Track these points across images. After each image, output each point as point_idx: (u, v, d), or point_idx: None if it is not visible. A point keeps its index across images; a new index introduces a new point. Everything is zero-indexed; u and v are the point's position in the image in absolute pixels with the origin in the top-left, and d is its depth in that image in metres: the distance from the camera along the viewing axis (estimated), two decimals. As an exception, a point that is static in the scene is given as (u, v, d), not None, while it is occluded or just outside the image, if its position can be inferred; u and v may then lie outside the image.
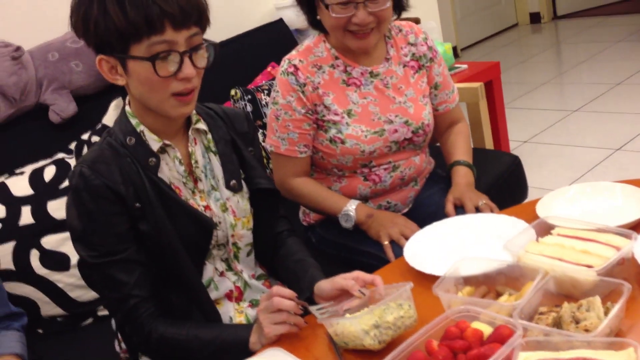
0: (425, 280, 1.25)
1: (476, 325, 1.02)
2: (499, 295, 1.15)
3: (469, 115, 2.51)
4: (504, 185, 2.04)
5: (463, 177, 1.70)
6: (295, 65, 1.64)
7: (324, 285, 1.25)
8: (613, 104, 3.85)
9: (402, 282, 1.15)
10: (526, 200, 2.13)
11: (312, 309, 1.18)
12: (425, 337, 1.02)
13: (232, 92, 2.20)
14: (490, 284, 1.18)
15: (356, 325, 1.07)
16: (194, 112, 1.33)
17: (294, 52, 1.69)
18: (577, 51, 5.06)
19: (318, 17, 1.65)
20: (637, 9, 5.58)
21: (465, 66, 2.91)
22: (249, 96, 2.19)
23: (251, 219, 1.39)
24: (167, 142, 1.27)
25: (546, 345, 0.94)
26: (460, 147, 1.78)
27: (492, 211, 1.55)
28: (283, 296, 1.17)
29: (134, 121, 1.27)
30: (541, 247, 1.20)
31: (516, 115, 4.01)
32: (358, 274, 1.21)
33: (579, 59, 4.84)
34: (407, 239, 1.48)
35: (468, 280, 1.19)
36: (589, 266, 1.10)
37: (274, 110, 1.68)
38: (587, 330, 0.97)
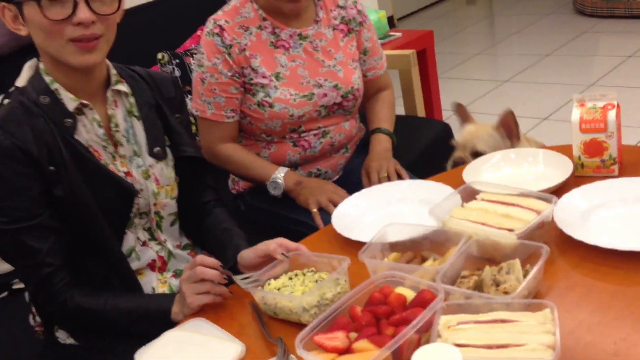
0: (352, 247, 1.24)
1: (400, 290, 1.02)
2: (424, 260, 1.16)
3: (400, 82, 2.50)
4: (435, 152, 2.05)
5: (379, 144, 1.70)
6: (220, 26, 1.58)
7: (247, 254, 1.22)
8: (542, 74, 3.95)
9: (338, 256, 1.13)
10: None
11: (236, 278, 1.15)
12: (349, 303, 1.01)
13: (159, 55, 2.12)
14: (416, 250, 1.18)
15: (296, 302, 1.05)
16: (115, 72, 1.27)
17: (219, 12, 1.63)
18: (510, 23, 5.16)
19: None
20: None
21: (399, 34, 2.90)
22: (177, 60, 2.12)
23: (176, 187, 1.34)
24: (84, 101, 1.21)
25: (467, 308, 0.95)
26: (382, 115, 1.78)
27: (401, 178, 1.59)
28: (206, 265, 1.15)
29: (47, 79, 1.20)
30: (466, 212, 1.20)
31: (449, 85, 4.06)
32: (282, 240, 1.19)
33: (511, 31, 4.93)
34: (336, 205, 1.47)
35: (394, 246, 1.19)
36: (511, 230, 1.12)
37: (199, 73, 1.62)
38: (506, 293, 0.99)
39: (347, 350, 0.92)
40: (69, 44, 1.14)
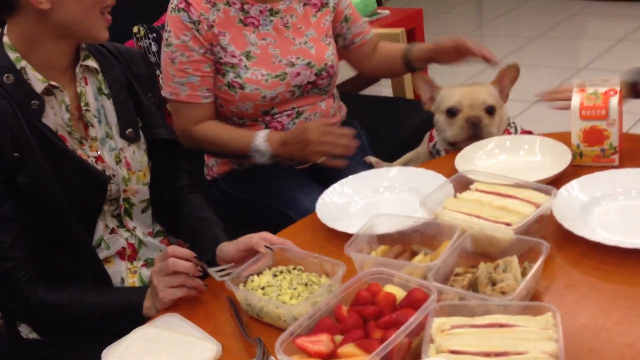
0: (337, 239, 1.16)
1: (389, 288, 0.95)
2: (414, 254, 1.08)
3: (389, 63, 2.42)
4: (424, 135, 1.98)
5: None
6: (186, 1, 1.48)
7: (227, 247, 1.14)
8: (531, 57, 3.88)
9: (331, 259, 1.04)
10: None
11: (211, 270, 1.07)
12: (335, 302, 0.94)
13: (135, 29, 2.00)
14: (405, 243, 1.11)
15: (287, 311, 0.96)
16: (83, 47, 1.19)
17: None
18: (498, 4, 5.07)
19: None
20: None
21: (387, 12, 2.82)
22: (154, 34, 2.00)
23: (148, 173, 1.26)
24: (53, 83, 1.12)
25: (461, 309, 0.88)
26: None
27: None
28: (179, 257, 1.06)
29: (13, 56, 1.10)
30: (459, 203, 1.13)
31: (436, 66, 3.97)
32: (266, 234, 1.11)
33: (499, 12, 4.85)
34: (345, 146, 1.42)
35: (382, 239, 1.11)
36: (507, 224, 1.05)
37: (168, 53, 1.50)
38: (503, 293, 0.92)
39: (332, 356, 0.84)
40: (101, 18, 1.12)
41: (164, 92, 1.54)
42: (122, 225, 1.25)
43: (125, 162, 1.21)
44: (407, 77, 2.40)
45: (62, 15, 1.09)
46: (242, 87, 1.50)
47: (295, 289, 1.02)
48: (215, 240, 1.17)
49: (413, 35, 2.76)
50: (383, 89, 3.25)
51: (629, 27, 3.98)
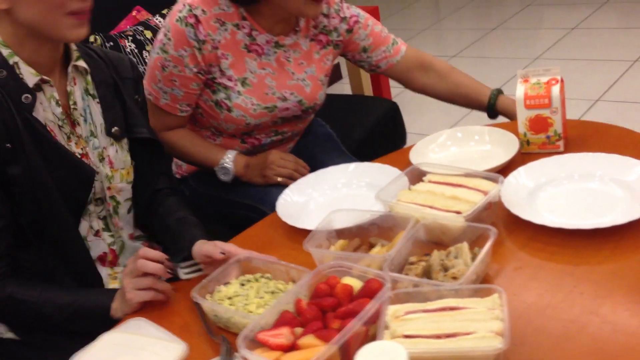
0: (298, 236, 1.19)
1: (347, 280, 0.98)
2: (372, 246, 1.12)
3: (347, 62, 2.45)
4: (382, 131, 2.03)
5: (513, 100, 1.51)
6: (196, 16, 1.43)
7: (196, 247, 1.16)
8: (488, 49, 3.96)
9: (297, 266, 1.06)
10: (406, 146, 2.13)
11: (178, 268, 1.10)
12: (295, 296, 0.97)
13: (92, 38, 2.00)
14: (363, 236, 1.15)
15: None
16: (75, 48, 1.21)
17: None
18: (454, -3, 5.16)
19: None
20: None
21: (344, 11, 2.84)
22: (111, 43, 2.01)
23: (131, 171, 1.28)
24: (45, 77, 1.15)
25: (415, 296, 0.93)
26: (469, 80, 1.68)
27: None
28: (150, 258, 1.09)
29: (6, 52, 1.12)
30: (413, 195, 1.17)
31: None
32: (216, 243, 1.14)
33: (457, 5, 4.93)
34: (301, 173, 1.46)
35: (341, 233, 1.15)
36: (458, 212, 1.09)
37: (160, 58, 1.47)
38: (455, 278, 0.96)
39: (293, 347, 0.88)
40: (67, 17, 1.10)
41: (145, 87, 1.52)
42: (107, 228, 1.26)
43: (108, 160, 1.24)
44: (365, 75, 2.44)
45: (23, 16, 1.10)
46: (229, 109, 1.50)
47: (262, 297, 1.04)
48: (192, 239, 1.18)
49: (370, 32, 2.80)
50: (345, 86, 3.29)
51: (581, 15, 4.08)
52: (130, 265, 1.11)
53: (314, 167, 1.51)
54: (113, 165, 1.25)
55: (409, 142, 2.15)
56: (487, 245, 0.99)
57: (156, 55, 1.49)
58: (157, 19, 2.15)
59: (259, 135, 1.59)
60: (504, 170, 1.25)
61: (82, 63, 1.22)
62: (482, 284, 1.00)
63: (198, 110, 1.56)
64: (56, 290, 1.15)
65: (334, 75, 3.58)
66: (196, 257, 1.17)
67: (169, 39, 1.45)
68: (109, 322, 1.09)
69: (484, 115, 1.64)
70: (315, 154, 1.66)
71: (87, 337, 1.04)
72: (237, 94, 1.49)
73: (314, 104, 1.61)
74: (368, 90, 2.49)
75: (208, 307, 1.04)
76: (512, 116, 1.52)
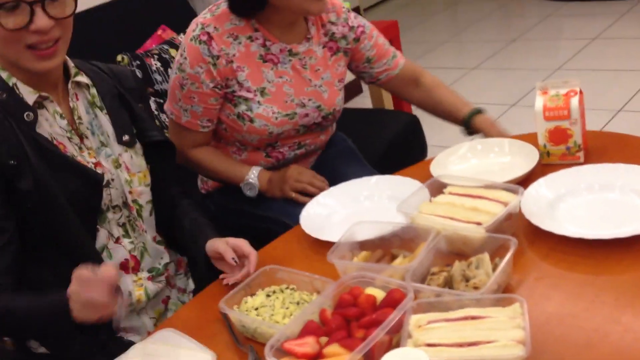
0: (322, 248, 1.22)
1: (370, 290, 1.01)
2: (394, 257, 1.14)
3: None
4: (403, 144, 2.05)
5: (490, 125, 1.62)
6: (209, 34, 1.49)
7: (209, 244, 1.24)
8: (508, 60, 3.97)
9: (321, 277, 1.09)
10: (427, 159, 2.15)
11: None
12: (319, 306, 1.00)
13: (119, 57, 2.07)
14: (385, 247, 1.17)
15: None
16: (73, 65, 1.25)
17: (208, 16, 1.53)
18: (474, 9, 5.17)
19: None
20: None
21: (364, 26, 2.88)
22: (138, 62, 2.07)
23: (148, 174, 1.32)
24: (44, 94, 1.19)
25: (437, 306, 0.94)
26: (455, 98, 1.72)
27: None
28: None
29: (4, 74, 1.17)
30: (434, 206, 1.20)
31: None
32: (242, 244, 1.21)
33: (477, 17, 4.95)
34: (318, 187, 1.50)
35: (364, 245, 1.17)
36: (479, 223, 1.11)
37: (179, 77, 1.53)
38: (476, 288, 0.98)
39: (318, 356, 0.90)
40: (27, 51, 1.12)
41: (167, 107, 1.59)
42: (127, 234, 1.29)
43: (124, 166, 1.28)
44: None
45: None
46: (251, 120, 1.54)
47: (287, 308, 1.06)
48: (206, 238, 1.26)
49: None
50: (366, 100, 3.32)
51: (601, 25, 4.08)
52: (74, 286, 1.06)
53: (336, 180, 1.53)
54: (130, 170, 1.28)
55: (430, 155, 2.16)
56: (508, 256, 1.01)
57: (174, 75, 1.54)
58: (181, 37, 2.21)
59: (283, 148, 1.63)
60: (524, 181, 1.26)
61: (82, 78, 1.25)
62: (504, 293, 1.02)
63: (222, 126, 1.60)
64: (27, 299, 1.14)
65: (355, 89, 3.60)
66: (209, 253, 1.24)
67: (185, 58, 1.50)
68: (71, 322, 1.07)
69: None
70: (337, 167, 1.69)
71: (117, 349, 1.07)
72: (257, 104, 1.53)
73: (333, 110, 1.64)
74: (388, 104, 2.51)
75: (235, 318, 1.06)
76: (487, 134, 1.59)
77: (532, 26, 4.42)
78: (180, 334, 1.10)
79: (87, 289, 1.03)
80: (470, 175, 1.30)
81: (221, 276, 1.23)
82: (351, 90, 2.96)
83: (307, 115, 1.59)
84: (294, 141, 1.63)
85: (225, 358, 1.03)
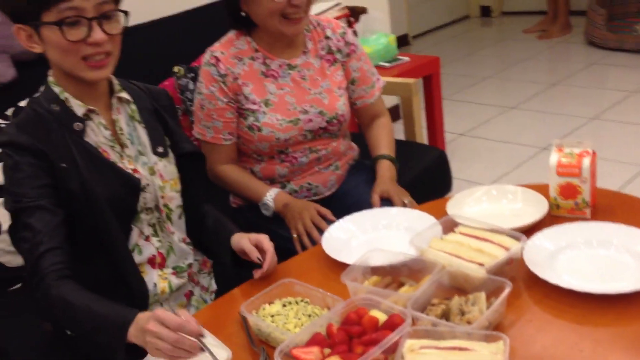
0: (339, 268, 1.34)
1: (374, 312, 1.13)
2: (401, 285, 1.26)
3: (402, 108, 2.61)
4: (429, 178, 2.16)
5: (387, 171, 1.81)
6: (216, 57, 1.73)
7: (234, 239, 1.42)
8: (548, 104, 4.03)
9: (333, 295, 1.20)
10: (450, 194, 2.25)
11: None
12: (328, 321, 1.12)
13: (176, 69, 2.23)
14: (395, 275, 1.28)
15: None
16: (117, 82, 1.41)
17: (216, 44, 1.77)
18: (523, 47, 5.23)
19: (243, 13, 1.71)
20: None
21: (407, 59, 3.01)
22: (192, 74, 2.23)
23: (179, 182, 1.47)
24: (91, 107, 1.34)
25: (432, 334, 1.06)
26: (383, 141, 1.89)
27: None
28: (188, 333, 1.07)
29: (57, 89, 1.33)
30: (443, 243, 1.31)
31: (457, 108, 4.15)
32: (263, 239, 1.39)
33: (523, 56, 5.01)
34: (319, 227, 1.59)
35: (375, 270, 1.29)
36: (481, 264, 1.22)
37: (199, 100, 1.77)
38: (469, 322, 1.09)
39: (320, 364, 1.02)
40: (82, 62, 1.28)
41: (195, 132, 1.80)
42: (156, 234, 1.43)
43: (159, 174, 1.42)
44: (418, 122, 2.59)
45: (52, 58, 1.30)
46: (259, 129, 1.73)
47: (299, 318, 1.19)
48: (229, 234, 1.44)
49: (430, 81, 2.96)
50: (398, 133, 3.43)
51: (643, 79, 4.11)
52: (154, 328, 1.06)
53: (360, 205, 1.66)
54: (163, 177, 1.43)
55: (456, 188, 2.26)
56: (501, 297, 1.12)
57: (195, 99, 1.78)
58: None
59: (294, 153, 1.79)
60: (532, 229, 1.36)
61: (124, 94, 1.40)
62: (493, 331, 1.12)
63: (240, 140, 1.79)
64: (95, 299, 1.20)
65: (393, 115, 3.69)
66: (235, 249, 1.40)
67: (201, 82, 1.75)
68: (123, 343, 1.11)
69: (532, 169, 1.76)
70: (362, 193, 1.81)
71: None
72: (263, 114, 1.74)
73: (335, 114, 1.80)
74: (420, 138, 2.62)
75: (253, 322, 1.20)
76: (377, 177, 1.80)
77: (575, 72, 4.47)
78: (203, 329, 1.23)
79: (173, 335, 1.06)
80: (483, 217, 1.41)
81: (253, 271, 1.39)
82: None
83: (310, 120, 1.77)
84: (304, 146, 1.79)
85: (240, 356, 1.16)
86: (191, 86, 2.22)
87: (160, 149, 1.43)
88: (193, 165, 1.50)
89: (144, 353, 1.11)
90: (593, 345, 1.07)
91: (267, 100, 1.74)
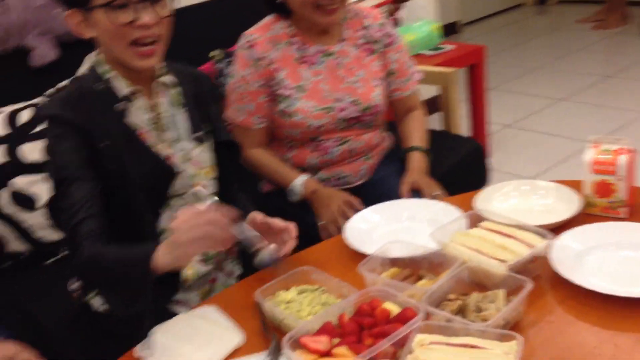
0: (359, 258, 1.32)
1: (387, 305, 1.11)
2: (420, 278, 1.24)
3: (441, 98, 2.56)
4: (464, 170, 2.11)
5: (418, 163, 1.78)
6: (252, 41, 1.72)
7: (250, 216, 1.37)
8: (599, 97, 3.89)
9: (348, 285, 1.19)
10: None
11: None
12: (340, 310, 1.11)
13: (213, 53, 2.25)
14: (414, 267, 1.26)
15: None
16: (161, 66, 1.40)
17: (252, 28, 1.77)
18: (577, 38, 5.06)
19: None
20: (641, 1, 5.54)
21: (450, 47, 2.94)
22: (230, 59, 2.23)
23: (213, 169, 1.48)
24: (135, 89, 1.35)
25: (445, 330, 1.03)
26: (416, 133, 1.86)
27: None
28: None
29: (103, 69, 1.35)
30: (465, 238, 1.28)
31: (505, 98, 4.05)
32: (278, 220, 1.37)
33: (576, 47, 4.85)
34: (346, 217, 1.56)
35: (395, 262, 1.27)
36: (503, 261, 1.19)
37: (232, 83, 1.77)
38: (484, 320, 1.06)
39: (327, 354, 1.02)
40: (130, 49, 1.28)
41: (226, 114, 1.79)
42: None
43: (193, 161, 1.42)
44: (456, 112, 2.53)
45: (102, 43, 1.31)
46: (292, 115, 1.72)
47: (314, 307, 1.18)
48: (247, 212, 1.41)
49: (474, 71, 2.89)
50: (435, 122, 3.37)
51: None
52: (183, 218, 1.13)
53: (390, 197, 1.63)
54: (198, 164, 1.43)
55: (497, 181, 2.20)
56: (520, 295, 1.08)
57: (229, 82, 1.78)
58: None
59: (326, 142, 1.77)
60: (563, 226, 1.32)
61: (167, 78, 1.40)
62: (512, 330, 1.09)
63: (273, 125, 1.78)
64: (123, 247, 1.23)
65: (432, 107, 3.61)
66: (253, 223, 1.37)
67: (235, 65, 1.75)
68: (150, 273, 1.14)
69: (578, 164, 1.69)
70: (392, 185, 1.77)
71: (163, 319, 1.22)
72: (295, 100, 1.72)
73: (369, 105, 1.77)
74: (458, 129, 2.57)
75: (267, 307, 1.20)
76: (407, 169, 1.76)
77: (631, 64, 4.30)
78: (219, 312, 1.24)
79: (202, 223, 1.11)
80: (511, 213, 1.36)
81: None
82: (430, 108, 3.01)
83: (344, 109, 1.74)
84: (337, 136, 1.77)
85: (253, 340, 1.17)
86: (228, 71, 2.23)
87: (198, 135, 1.43)
88: (228, 155, 1.50)
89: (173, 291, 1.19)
90: (613, 350, 1.02)
91: (300, 86, 1.73)
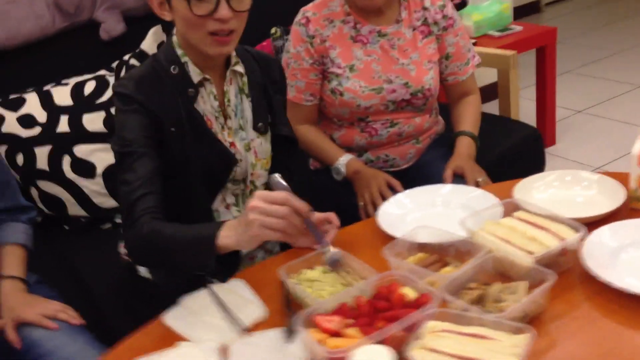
0: (389, 241, 1.32)
1: (405, 290, 1.11)
2: (445, 265, 1.23)
3: (499, 82, 2.48)
4: (519, 156, 2.05)
5: (465, 148, 1.75)
6: (307, 17, 1.73)
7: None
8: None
9: (370, 268, 1.18)
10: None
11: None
12: (359, 293, 1.12)
13: (273, 30, 2.27)
14: (442, 254, 1.25)
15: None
16: (234, 54, 1.42)
17: (309, 5, 1.77)
18: (671, 21, 4.75)
19: None
20: None
21: (519, 28, 2.84)
22: (288, 36, 2.26)
23: (270, 161, 1.50)
24: (207, 76, 1.38)
25: (459, 318, 1.02)
26: (467, 118, 1.82)
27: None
28: (295, 207, 1.13)
29: (179, 52, 1.38)
30: (496, 227, 1.25)
31: (580, 82, 3.88)
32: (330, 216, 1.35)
33: (667, 30, 4.55)
34: (385, 198, 1.56)
35: (422, 247, 1.27)
36: (531, 252, 1.16)
37: (285, 59, 1.79)
38: (502, 311, 1.05)
39: (337, 334, 1.03)
40: (208, 37, 1.30)
41: None
42: (237, 204, 1.48)
43: (253, 151, 1.46)
44: (514, 96, 2.45)
45: (178, 27, 1.34)
46: (341, 94, 1.72)
47: (335, 287, 1.19)
48: None
49: (544, 53, 2.78)
50: (493, 107, 3.27)
51: None
52: (261, 204, 1.13)
53: (434, 182, 1.61)
54: (257, 154, 1.46)
55: (563, 167, 2.13)
56: (540, 288, 1.06)
57: (283, 57, 1.80)
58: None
59: (375, 124, 1.76)
60: (603, 220, 1.27)
61: (239, 68, 1.42)
62: (532, 323, 1.07)
63: (322, 103, 1.79)
64: (185, 227, 1.23)
65: (491, 95, 3.48)
66: None
67: (290, 41, 1.77)
68: (214, 253, 1.17)
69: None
70: (437, 169, 1.75)
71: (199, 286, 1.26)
72: (346, 79, 1.72)
73: (421, 88, 1.74)
74: (514, 114, 2.49)
75: (290, 285, 1.23)
76: (454, 153, 1.75)
77: None
78: (247, 286, 1.28)
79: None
80: (550, 204, 1.32)
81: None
82: (487, 95, 2.93)
83: (394, 91, 1.73)
84: (386, 118, 1.76)
85: (275, 316, 1.20)
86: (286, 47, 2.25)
87: (260, 125, 1.45)
88: (285, 148, 1.51)
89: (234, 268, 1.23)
90: (631, 351, 0.99)
91: (352, 66, 1.73)
